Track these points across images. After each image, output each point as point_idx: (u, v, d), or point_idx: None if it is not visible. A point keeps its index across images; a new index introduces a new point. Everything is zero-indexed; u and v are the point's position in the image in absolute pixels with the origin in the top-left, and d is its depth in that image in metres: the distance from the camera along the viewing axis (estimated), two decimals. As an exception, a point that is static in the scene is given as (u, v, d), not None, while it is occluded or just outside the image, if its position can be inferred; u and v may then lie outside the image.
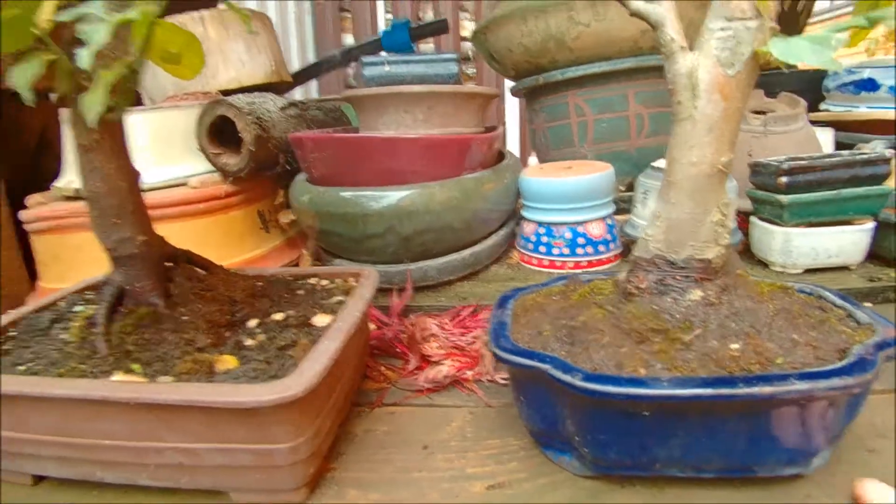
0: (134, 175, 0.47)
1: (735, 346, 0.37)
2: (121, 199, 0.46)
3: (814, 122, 1.06)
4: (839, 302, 0.44)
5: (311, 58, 2.66)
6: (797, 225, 0.72)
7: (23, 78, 0.37)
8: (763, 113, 0.89)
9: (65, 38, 0.41)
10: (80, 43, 0.41)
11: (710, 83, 0.38)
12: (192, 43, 0.50)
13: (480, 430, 0.49)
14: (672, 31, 0.39)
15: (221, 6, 1.00)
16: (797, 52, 0.34)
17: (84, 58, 0.33)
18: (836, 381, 0.33)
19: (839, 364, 0.35)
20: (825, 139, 1.00)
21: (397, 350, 0.63)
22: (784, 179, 0.70)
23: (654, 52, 0.88)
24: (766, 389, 0.33)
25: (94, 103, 0.37)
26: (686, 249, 0.40)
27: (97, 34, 0.33)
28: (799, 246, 0.72)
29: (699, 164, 0.39)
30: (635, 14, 0.40)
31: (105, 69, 0.39)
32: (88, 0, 0.40)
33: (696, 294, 0.39)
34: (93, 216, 0.46)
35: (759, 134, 0.87)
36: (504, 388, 0.56)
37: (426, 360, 0.60)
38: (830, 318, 0.41)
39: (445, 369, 0.57)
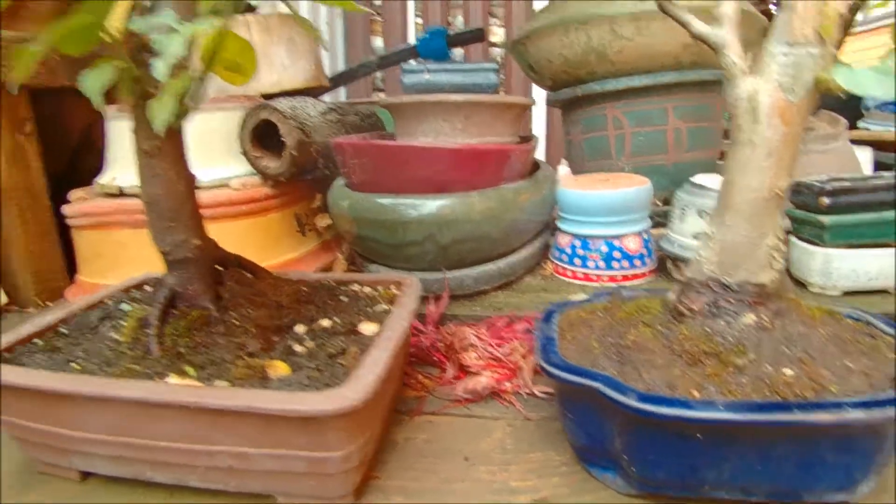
0: (191, 179, 0.48)
1: (789, 371, 0.37)
2: (178, 203, 0.47)
3: (852, 141, 1.05)
4: (887, 329, 0.44)
5: (342, 61, 2.68)
6: (838, 246, 0.71)
7: (94, 84, 0.38)
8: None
9: (131, 45, 0.42)
10: (146, 50, 0.42)
11: (771, 108, 0.38)
12: (246, 50, 0.51)
13: (521, 443, 0.50)
14: (734, 54, 0.39)
15: (263, 11, 1.01)
16: (863, 83, 0.34)
17: (159, 69, 0.34)
18: (890, 411, 0.33)
19: (893, 394, 0.34)
20: (864, 158, 0.99)
21: (434, 358, 0.64)
22: (826, 200, 0.70)
23: (695, 67, 0.88)
24: (823, 417, 0.33)
25: (162, 111, 0.38)
26: (740, 273, 0.40)
27: (173, 46, 0.34)
28: (839, 267, 0.71)
29: (758, 188, 0.39)
30: (697, 37, 0.40)
31: (173, 78, 0.40)
32: (160, 9, 0.42)
33: (750, 318, 0.39)
34: (150, 219, 0.48)
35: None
36: (542, 401, 0.56)
37: (464, 370, 0.61)
38: (880, 344, 0.41)
39: (485, 380, 0.57)
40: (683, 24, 0.41)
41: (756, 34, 0.39)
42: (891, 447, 0.38)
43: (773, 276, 0.40)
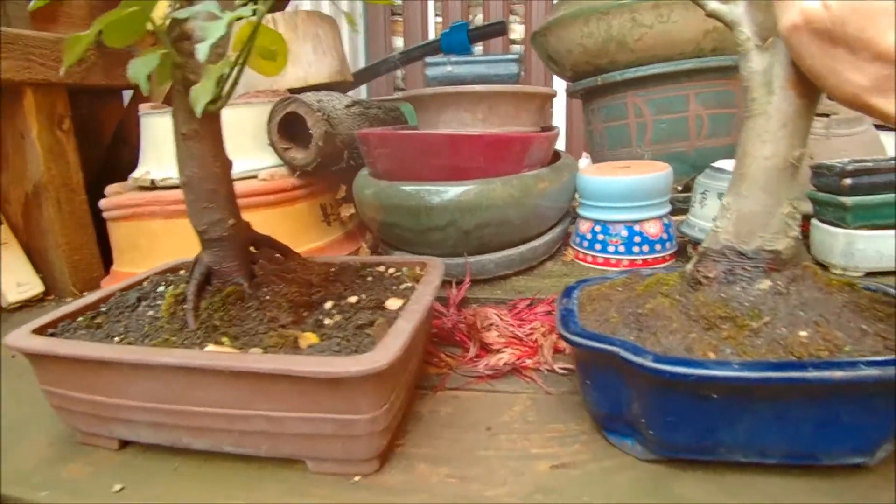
0: (228, 164, 0.51)
1: (804, 333, 0.38)
2: (215, 184, 0.49)
3: (878, 126, 1.04)
4: (906, 299, 0.45)
5: (363, 60, 2.72)
6: (860, 227, 0.71)
7: (142, 70, 0.40)
8: (826, 115, 0.89)
9: (173, 33, 0.45)
10: (186, 39, 0.45)
11: (785, 80, 0.39)
12: (279, 43, 0.54)
13: (542, 415, 0.51)
14: (748, 30, 0.40)
15: (289, 9, 1.04)
16: None
17: (202, 51, 0.36)
18: (906, 369, 0.34)
19: (910, 354, 0.35)
20: (889, 143, 0.98)
21: (457, 339, 0.65)
22: (848, 181, 0.70)
23: (715, 53, 0.88)
24: (837, 374, 0.34)
25: (203, 94, 0.41)
26: (756, 240, 0.41)
27: (215, 30, 0.36)
28: (862, 249, 0.71)
29: (773, 157, 0.40)
30: (711, 14, 0.41)
31: (212, 64, 0.42)
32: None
33: (765, 284, 0.40)
34: (188, 200, 0.50)
35: (821, 137, 0.86)
36: (562, 377, 0.57)
37: (485, 349, 0.62)
38: (899, 313, 0.42)
39: (506, 357, 0.59)
40: (698, 3, 0.42)
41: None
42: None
43: (788, 243, 0.41)
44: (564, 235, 0.90)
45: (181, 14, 0.39)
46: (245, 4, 0.43)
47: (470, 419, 0.51)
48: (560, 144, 2.51)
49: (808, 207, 0.80)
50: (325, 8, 2.34)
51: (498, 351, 0.61)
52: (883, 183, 0.69)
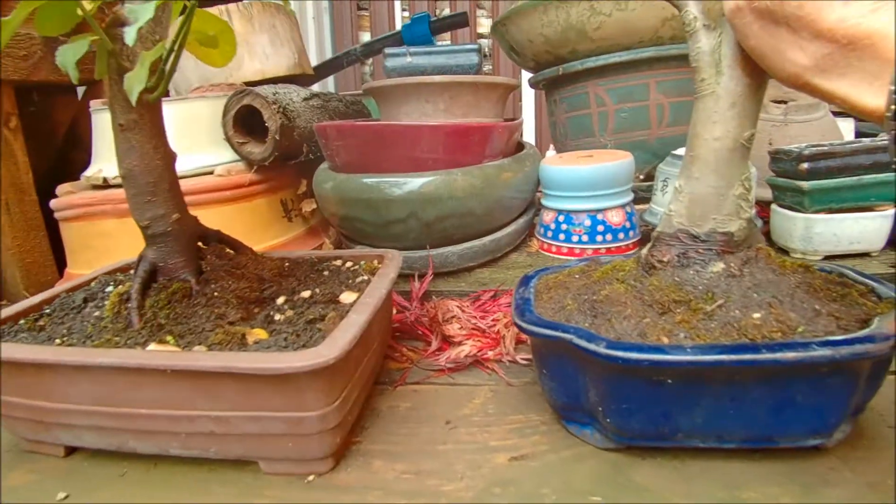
0: (170, 155, 0.49)
1: (757, 315, 0.37)
2: (157, 177, 0.47)
3: (836, 113, 1.06)
4: (860, 279, 0.45)
5: (330, 56, 2.69)
6: (818, 211, 0.72)
7: (69, 57, 0.38)
8: (784, 102, 0.89)
9: (105, 20, 0.43)
10: (120, 25, 0.43)
11: (732, 59, 0.38)
12: (226, 31, 0.52)
13: (502, 407, 0.50)
14: (695, 9, 0.39)
15: (246, 1, 1.01)
16: None
17: (130, 34, 0.34)
18: (857, 348, 0.33)
19: (861, 332, 0.35)
20: (846, 128, 0.99)
21: (419, 332, 0.64)
22: (805, 166, 0.70)
23: (674, 41, 0.88)
24: (789, 355, 0.33)
25: (136, 81, 0.39)
26: (708, 223, 0.41)
27: (144, 13, 0.35)
28: (820, 232, 0.72)
29: (722, 138, 0.39)
30: (659, -8, 0.40)
31: (147, 50, 0.40)
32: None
33: (719, 266, 0.40)
34: (129, 194, 0.48)
35: (779, 123, 0.87)
36: (524, 367, 0.56)
37: (447, 342, 0.61)
38: (852, 292, 0.42)
39: (467, 349, 0.58)
40: (646, -19, 0.41)
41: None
42: (864, 391, 0.39)
43: (740, 224, 0.40)
44: (529, 226, 0.89)
45: (108, -3, 0.37)
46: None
47: (429, 413, 0.50)
48: (530, 136, 2.52)
49: (767, 194, 0.80)
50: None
51: (459, 343, 0.60)
52: (839, 167, 0.70)
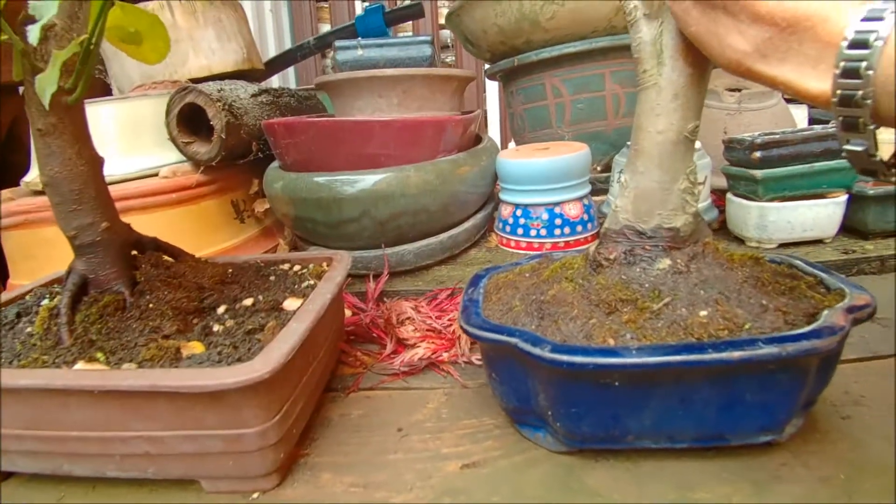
0: (96, 161, 0.46)
1: (704, 313, 0.36)
2: (82, 184, 0.45)
3: (788, 100, 1.07)
4: (809, 269, 0.44)
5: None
6: (772, 199, 0.72)
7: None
8: (737, 90, 0.89)
9: (18, 21, 0.40)
10: (32, 22, 0.40)
11: (675, 49, 0.37)
12: (155, 26, 0.49)
13: (456, 411, 0.49)
14: (635, -2, 0.38)
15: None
16: None
17: (33, 32, 0.32)
18: (804, 344, 0.33)
19: (808, 328, 0.34)
20: (800, 115, 1.00)
21: (374, 335, 0.63)
22: (758, 154, 0.70)
23: (628, 31, 0.87)
24: (735, 354, 0.33)
25: (48, 83, 0.36)
26: (654, 219, 0.40)
27: (47, 9, 0.32)
28: (774, 220, 0.72)
29: (666, 131, 0.38)
30: (598, -19, 0.39)
31: (58, 49, 0.38)
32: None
33: (665, 263, 0.39)
34: (53, 203, 0.45)
35: (733, 111, 0.87)
36: (479, 368, 0.55)
37: (402, 344, 0.60)
38: (801, 284, 0.41)
39: (421, 352, 0.56)
40: (586, -30, 0.40)
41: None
42: (814, 385, 0.38)
43: (686, 219, 0.40)
44: (488, 221, 0.88)
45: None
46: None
47: (381, 420, 0.49)
48: (495, 128, 2.50)
49: (723, 182, 0.80)
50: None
51: (414, 346, 0.58)
52: (791, 154, 0.70)
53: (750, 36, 0.32)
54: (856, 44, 0.27)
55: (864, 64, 0.27)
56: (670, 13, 0.37)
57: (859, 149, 0.30)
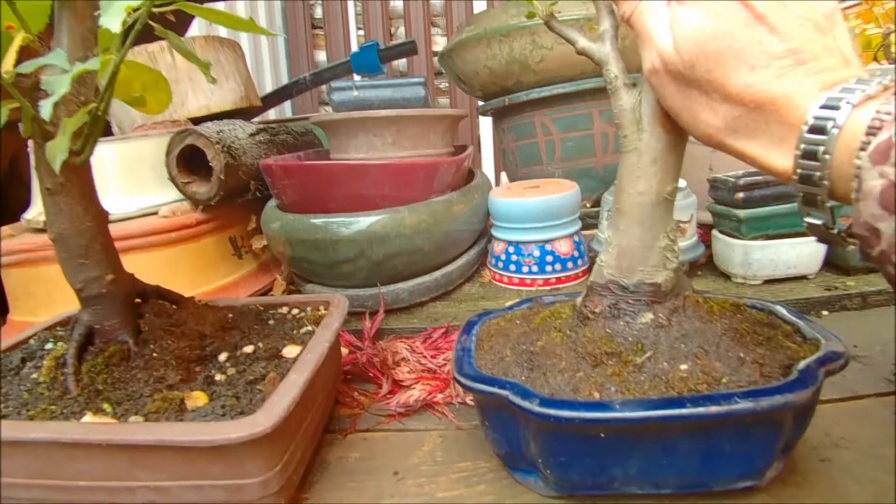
0: (102, 216, 0.48)
1: (684, 367, 0.38)
2: (88, 239, 0.46)
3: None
4: (788, 317, 0.46)
5: (285, 74, 2.67)
6: (755, 238, 0.74)
7: (-15, 129, 0.37)
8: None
9: (29, 83, 0.42)
10: (41, 90, 0.42)
11: (652, 117, 0.40)
12: (158, 80, 0.52)
13: (450, 454, 0.50)
14: (615, 68, 0.41)
15: (190, 35, 1.00)
16: None
17: (46, 108, 0.34)
18: (777, 399, 0.35)
19: (781, 382, 0.36)
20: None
21: (370, 374, 0.64)
22: (741, 195, 0.73)
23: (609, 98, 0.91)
24: (712, 409, 0.34)
25: (58, 150, 0.38)
26: (637, 274, 0.42)
27: (59, 86, 0.34)
28: (758, 258, 0.74)
29: (646, 193, 0.41)
30: (582, 52, 0.42)
31: (69, 116, 0.40)
32: (57, 46, 0.42)
33: (647, 317, 0.41)
34: (60, 257, 0.47)
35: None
36: (473, 409, 0.57)
37: (398, 385, 0.61)
38: (777, 334, 0.43)
39: (416, 393, 0.58)
40: (569, 41, 0.42)
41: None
42: (792, 432, 0.40)
43: (667, 275, 0.42)
44: (481, 256, 0.90)
45: (26, 68, 0.37)
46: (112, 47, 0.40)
47: (378, 463, 0.50)
48: (489, 162, 2.54)
49: (710, 218, 0.82)
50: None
51: (409, 387, 0.60)
52: (773, 195, 0.73)
53: (721, 113, 0.34)
54: (814, 129, 0.30)
55: (821, 148, 0.30)
56: (648, 85, 0.39)
57: (818, 222, 0.33)
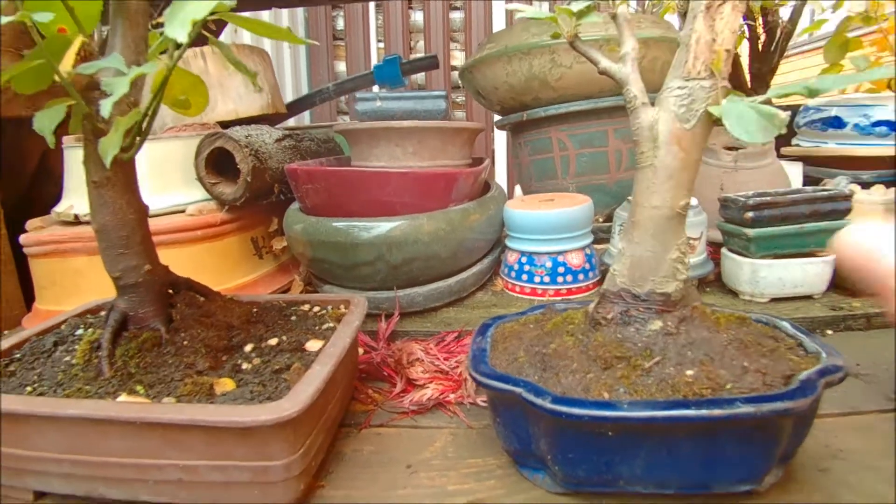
0: (143, 209, 0.51)
1: (690, 372, 0.40)
2: (129, 231, 0.49)
3: (786, 157, 1.12)
4: (791, 331, 0.48)
5: (305, 84, 2.72)
6: (763, 257, 0.76)
7: (47, 123, 0.40)
8: (735, 149, 0.94)
9: (82, 84, 0.45)
10: (96, 89, 0.45)
11: (668, 136, 0.42)
12: (198, 85, 0.55)
13: (461, 450, 0.52)
14: (635, 88, 0.43)
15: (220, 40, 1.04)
16: (746, 126, 0.37)
17: (106, 107, 0.37)
18: (777, 405, 0.37)
19: (782, 389, 0.38)
20: (795, 172, 1.05)
21: (384, 374, 0.66)
22: (750, 214, 0.75)
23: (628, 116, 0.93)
24: (715, 412, 0.36)
25: (111, 146, 0.41)
26: (648, 284, 0.44)
27: (119, 87, 0.37)
28: (765, 277, 0.76)
29: (660, 207, 0.43)
30: (604, 72, 0.44)
31: (121, 115, 0.43)
32: (112, 50, 0.45)
33: (657, 324, 0.43)
34: (101, 247, 0.50)
35: (730, 169, 0.92)
36: (484, 409, 0.59)
37: (411, 384, 0.63)
38: (781, 346, 0.45)
39: (429, 392, 0.60)
40: (592, 61, 0.45)
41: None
42: (792, 440, 0.42)
43: (677, 286, 0.44)
44: (494, 265, 0.92)
45: (86, 70, 0.39)
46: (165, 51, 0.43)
47: (391, 457, 0.52)
48: (502, 174, 2.57)
49: (719, 236, 0.84)
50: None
51: (423, 386, 0.62)
52: (781, 216, 0.75)
53: None
54: None
55: None
56: (666, 104, 0.42)
57: None
